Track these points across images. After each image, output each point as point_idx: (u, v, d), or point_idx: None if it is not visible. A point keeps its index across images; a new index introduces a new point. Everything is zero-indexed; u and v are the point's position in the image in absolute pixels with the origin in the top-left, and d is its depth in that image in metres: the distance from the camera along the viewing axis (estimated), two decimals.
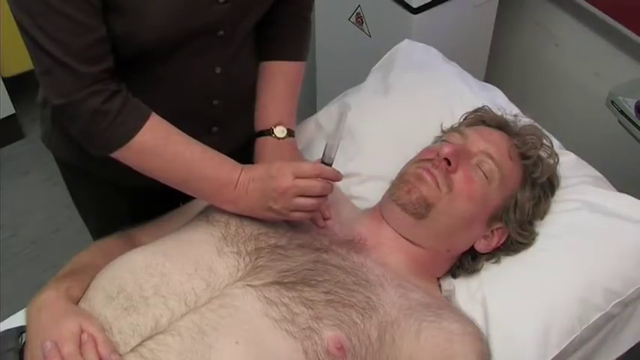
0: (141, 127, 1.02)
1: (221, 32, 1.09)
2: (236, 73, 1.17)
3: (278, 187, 1.03)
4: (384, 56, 1.54)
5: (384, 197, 1.22)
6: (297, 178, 1.03)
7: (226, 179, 1.07)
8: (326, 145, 1.07)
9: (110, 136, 1.02)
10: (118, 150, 1.03)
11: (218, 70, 1.14)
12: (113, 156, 1.04)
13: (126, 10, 0.98)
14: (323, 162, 1.07)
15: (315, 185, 1.04)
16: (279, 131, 1.21)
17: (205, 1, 1.03)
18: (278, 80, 1.23)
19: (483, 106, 1.31)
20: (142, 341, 0.94)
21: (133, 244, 1.16)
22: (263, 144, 1.21)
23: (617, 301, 1.15)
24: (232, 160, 1.09)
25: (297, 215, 1.06)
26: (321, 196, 1.06)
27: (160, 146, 1.04)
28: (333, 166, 1.07)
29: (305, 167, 1.05)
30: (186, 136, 1.07)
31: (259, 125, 1.23)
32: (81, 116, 1.01)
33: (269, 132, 1.21)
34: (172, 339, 0.93)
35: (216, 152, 1.09)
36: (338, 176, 1.07)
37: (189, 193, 1.10)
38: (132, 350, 0.94)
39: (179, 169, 1.06)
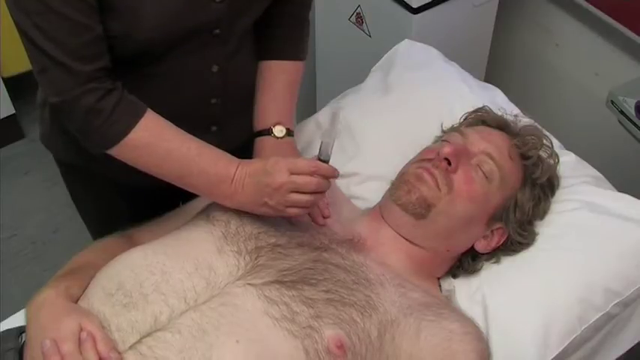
0: (135, 124, 1.03)
1: (217, 31, 1.09)
2: (234, 72, 1.17)
3: (273, 182, 1.03)
4: (384, 56, 1.54)
5: (383, 197, 1.22)
6: (292, 174, 1.03)
7: (223, 174, 1.07)
8: (322, 143, 1.07)
9: (105, 133, 1.02)
10: (114, 147, 1.03)
11: (215, 69, 1.14)
12: (109, 153, 1.05)
13: (121, 10, 0.98)
14: (320, 159, 1.07)
15: (311, 181, 1.04)
16: (278, 131, 1.21)
17: (202, 0, 1.03)
18: (277, 80, 1.23)
19: (484, 106, 1.31)
20: (141, 338, 0.94)
21: (133, 244, 1.16)
22: (262, 143, 1.21)
23: (617, 301, 1.15)
24: (229, 155, 1.09)
25: (292, 211, 1.06)
26: (317, 192, 1.06)
27: (154, 142, 1.04)
28: (330, 163, 1.07)
29: (301, 163, 1.05)
30: (182, 131, 1.07)
31: (258, 125, 1.23)
32: (76, 114, 1.01)
33: (268, 131, 1.21)
34: (172, 336, 0.93)
35: (212, 147, 1.09)
36: (334, 173, 1.06)
37: (186, 188, 1.10)
38: (130, 348, 0.94)
39: (175, 164, 1.06)
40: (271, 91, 1.23)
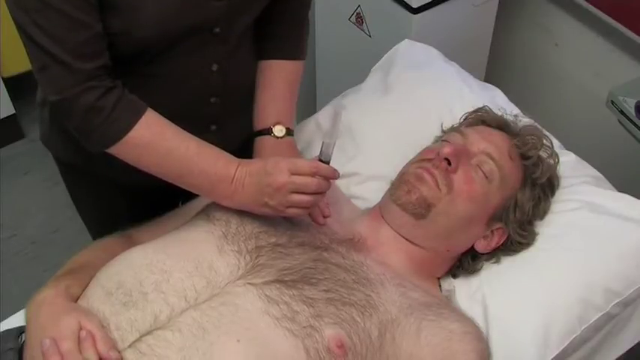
0: (135, 123, 1.02)
1: (217, 29, 1.09)
2: (233, 71, 1.17)
3: (274, 182, 1.03)
4: (384, 56, 1.54)
5: (383, 197, 1.22)
6: (293, 174, 1.03)
7: (223, 174, 1.06)
8: (323, 143, 1.07)
9: (105, 132, 1.02)
10: (114, 146, 1.03)
11: (214, 68, 1.14)
12: (109, 151, 1.04)
13: (121, 8, 0.98)
14: (320, 160, 1.07)
15: (311, 182, 1.04)
16: (278, 130, 1.20)
17: None
18: (277, 79, 1.23)
19: (484, 106, 1.31)
20: (141, 336, 0.94)
21: (132, 244, 1.16)
22: (262, 143, 1.21)
23: (617, 301, 1.15)
24: (229, 155, 1.09)
25: (292, 212, 1.06)
26: (317, 193, 1.06)
27: (155, 141, 1.04)
28: (331, 164, 1.07)
29: (301, 164, 1.05)
30: (182, 130, 1.07)
31: (258, 124, 1.23)
32: (76, 112, 1.01)
33: (268, 131, 1.21)
34: (172, 335, 0.93)
35: (212, 146, 1.08)
36: (334, 174, 1.07)
37: (185, 187, 1.10)
38: (130, 346, 0.94)
39: (175, 163, 1.06)
40: (271, 90, 1.23)
